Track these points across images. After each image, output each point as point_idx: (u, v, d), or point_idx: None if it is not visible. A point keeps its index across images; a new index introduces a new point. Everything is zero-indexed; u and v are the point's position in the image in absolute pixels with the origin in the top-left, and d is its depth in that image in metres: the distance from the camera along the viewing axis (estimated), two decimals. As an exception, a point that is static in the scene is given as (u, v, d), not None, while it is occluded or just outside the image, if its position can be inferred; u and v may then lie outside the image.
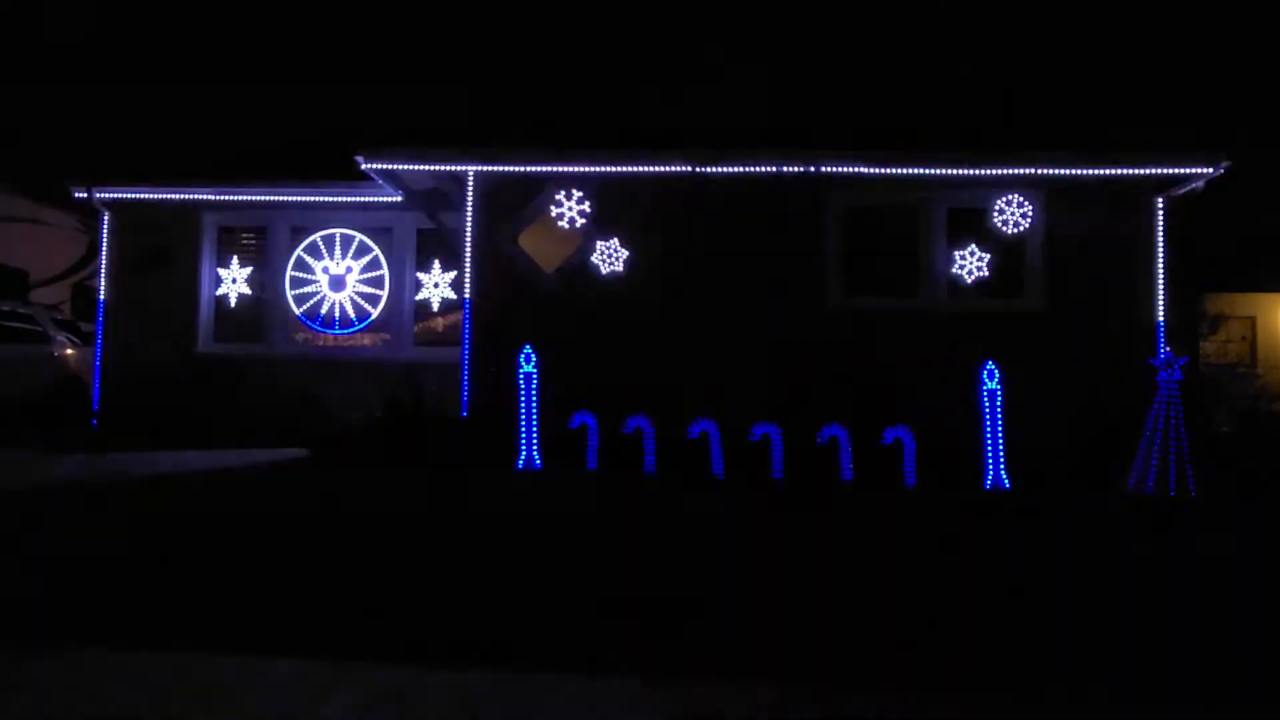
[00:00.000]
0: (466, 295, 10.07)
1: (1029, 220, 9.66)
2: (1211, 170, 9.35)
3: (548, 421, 9.36)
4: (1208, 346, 16.01)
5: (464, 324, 10.02)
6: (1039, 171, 9.58)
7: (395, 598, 4.06)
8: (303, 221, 12.24)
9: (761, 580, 4.58)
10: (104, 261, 12.29)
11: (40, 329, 12.97)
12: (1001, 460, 8.91)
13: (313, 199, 11.93)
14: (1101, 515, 7.18)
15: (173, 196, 12.06)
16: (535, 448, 9.30)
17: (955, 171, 9.63)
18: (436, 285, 12.09)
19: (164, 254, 12.08)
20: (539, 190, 9.91)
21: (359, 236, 12.25)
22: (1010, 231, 9.69)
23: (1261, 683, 3.26)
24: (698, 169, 9.72)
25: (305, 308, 12.27)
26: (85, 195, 12.12)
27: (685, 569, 4.83)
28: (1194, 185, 9.62)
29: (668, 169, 9.74)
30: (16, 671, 3.01)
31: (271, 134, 14.77)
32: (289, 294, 12.23)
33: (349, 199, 11.87)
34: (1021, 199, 9.67)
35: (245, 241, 12.36)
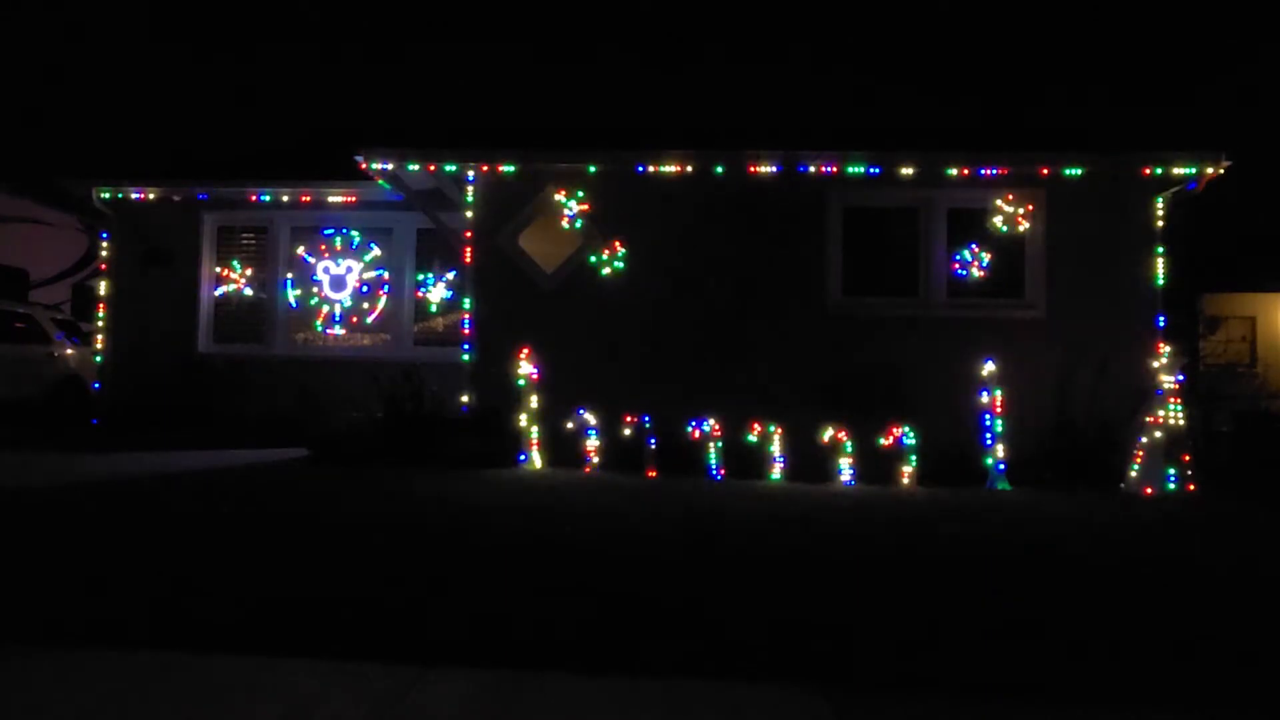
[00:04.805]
0: (466, 295, 10.07)
1: (1029, 220, 9.66)
2: (1211, 170, 9.35)
3: (547, 421, 9.37)
4: (1207, 346, 16.00)
5: (464, 324, 10.02)
6: (1039, 171, 9.58)
7: (397, 596, 4.05)
8: (303, 221, 12.26)
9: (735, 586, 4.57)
10: (104, 261, 12.29)
11: (40, 329, 12.98)
12: (1001, 460, 8.93)
13: (313, 199, 11.95)
14: (1101, 514, 7.18)
15: (173, 196, 12.07)
16: (535, 447, 9.31)
17: (955, 171, 9.63)
18: (436, 285, 12.09)
19: (164, 254, 12.10)
20: (539, 190, 9.91)
21: (359, 236, 12.25)
22: (1010, 232, 9.69)
23: (1257, 683, 3.26)
24: (698, 168, 9.72)
25: (305, 307, 12.27)
26: (85, 195, 12.13)
27: (687, 579, 4.82)
28: (1194, 185, 9.62)
29: (667, 169, 9.74)
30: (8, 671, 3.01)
31: (272, 133, 14.77)
32: (289, 294, 12.24)
33: (349, 199, 11.89)
34: (1022, 199, 9.67)
35: (245, 241, 12.37)
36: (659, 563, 4.95)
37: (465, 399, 9.70)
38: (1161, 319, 9.51)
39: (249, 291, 12.30)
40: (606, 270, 9.81)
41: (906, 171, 9.63)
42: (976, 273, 9.73)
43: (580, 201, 9.83)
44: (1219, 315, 18.45)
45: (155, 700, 2.80)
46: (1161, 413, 8.57)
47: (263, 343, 12.13)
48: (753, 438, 9.05)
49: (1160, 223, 9.65)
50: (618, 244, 9.81)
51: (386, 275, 12.21)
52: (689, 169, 9.74)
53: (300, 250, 12.29)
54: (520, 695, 2.91)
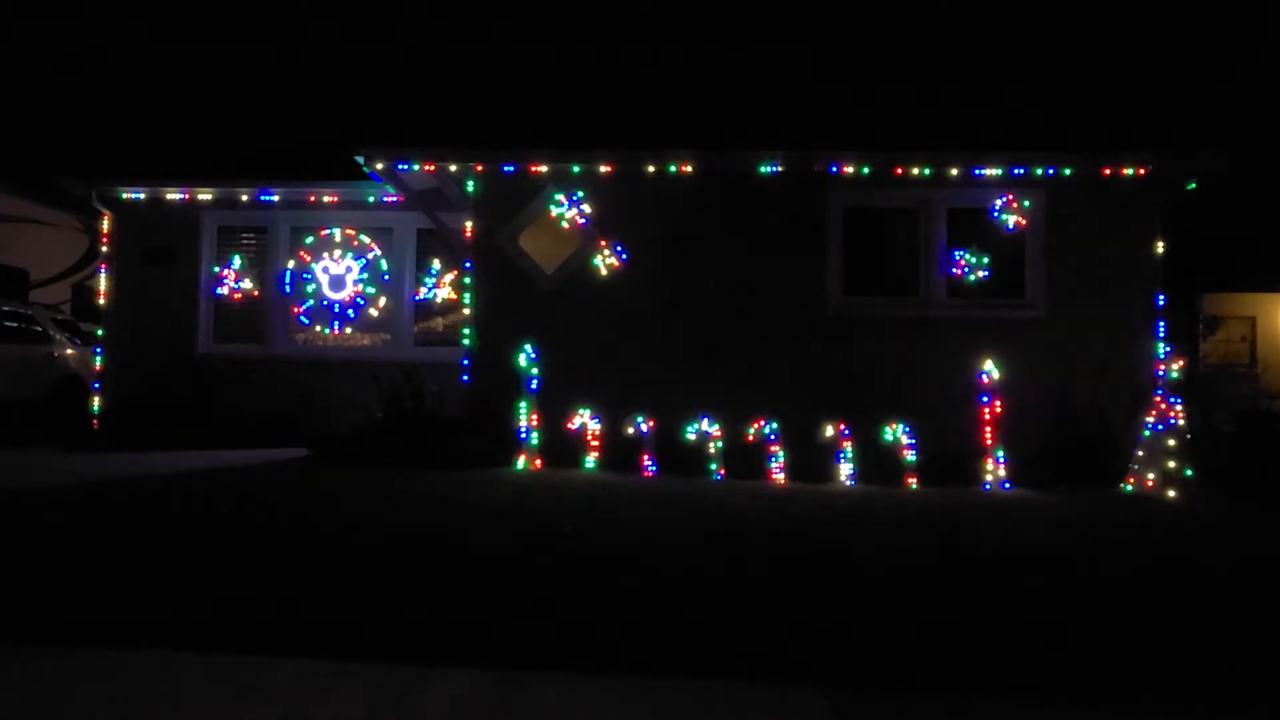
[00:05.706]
0: (466, 295, 10.08)
1: (1029, 220, 9.66)
2: (1212, 170, 9.35)
3: (547, 421, 9.36)
4: (1207, 346, 16.04)
5: (464, 324, 10.02)
6: (1039, 172, 9.58)
7: (397, 596, 4.06)
8: (303, 221, 12.24)
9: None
10: (104, 261, 12.28)
11: (40, 329, 12.97)
12: (1001, 460, 8.92)
13: (313, 199, 11.94)
14: (1100, 515, 7.18)
15: (173, 196, 12.06)
16: (535, 447, 9.31)
17: (955, 171, 9.63)
18: (436, 285, 12.08)
19: (164, 253, 12.08)
20: (539, 190, 9.91)
21: (359, 236, 12.25)
22: (1010, 232, 9.69)
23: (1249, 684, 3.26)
24: (698, 169, 9.72)
25: (305, 308, 12.26)
26: (85, 195, 12.12)
27: (687, 584, 4.82)
28: (1194, 185, 9.62)
29: (668, 169, 9.74)
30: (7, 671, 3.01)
31: (272, 133, 14.79)
32: (289, 294, 12.23)
33: (349, 199, 11.87)
34: (1022, 199, 9.67)
35: (245, 241, 12.35)
36: (658, 563, 4.95)
37: (465, 399, 9.69)
38: (1161, 319, 9.51)
39: (249, 291, 12.29)
40: (606, 270, 9.80)
41: (906, 172, 9.63)
42: (976, 273, 9.72)
43: (580, 202, 9.83)
44: (1219, 315, 18.50)
45: (155, 700, 2.80)
46: (1161, 413, 8.57)
47: (263, 343, 12.12)
48: (752, 438, 9.04)
49: (1160, 222, 9.64)
50: (618, 244, 9.80)
51: (386, 275, 12.20)
52: (689, 169, 9.74)
53: (300, 250, 12.28)
54: (520, 695, 2.91)
